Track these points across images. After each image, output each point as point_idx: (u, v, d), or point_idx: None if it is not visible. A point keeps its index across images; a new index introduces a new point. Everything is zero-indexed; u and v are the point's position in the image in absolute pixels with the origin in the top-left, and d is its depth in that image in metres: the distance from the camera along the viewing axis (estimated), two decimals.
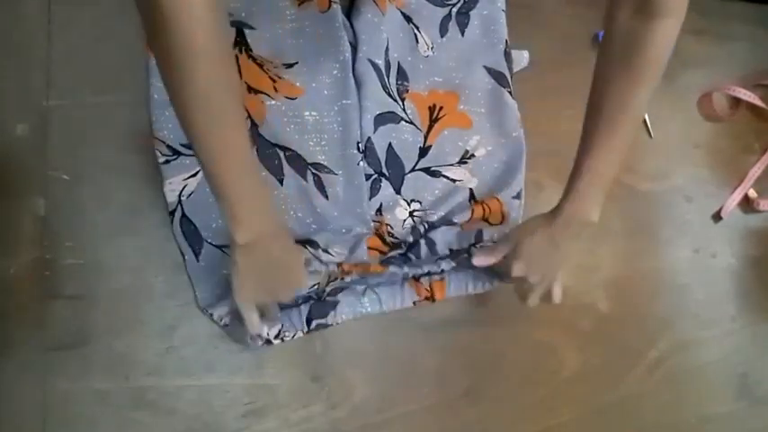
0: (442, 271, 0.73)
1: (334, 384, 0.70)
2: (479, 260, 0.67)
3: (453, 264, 0.72)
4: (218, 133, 0.45)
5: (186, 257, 0.66)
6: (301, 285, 0.62)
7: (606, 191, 0.60)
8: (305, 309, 0.67)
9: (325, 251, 0.67)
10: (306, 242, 0.67)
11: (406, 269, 0.71)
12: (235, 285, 0.55)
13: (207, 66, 0.42)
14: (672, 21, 0.51)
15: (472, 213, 0.76)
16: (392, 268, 0.70)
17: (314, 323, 0.68)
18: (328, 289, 0.70)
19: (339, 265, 0.68)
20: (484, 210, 0.77)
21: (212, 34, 0.41)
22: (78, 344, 0.61)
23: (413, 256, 0.72)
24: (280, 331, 0.66)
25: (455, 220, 0.75)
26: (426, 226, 0.75)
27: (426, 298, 0.73)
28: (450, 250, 0.73)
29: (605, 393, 0.83)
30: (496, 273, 0.74)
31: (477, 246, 0.73)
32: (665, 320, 0.89)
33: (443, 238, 0.73)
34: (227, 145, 0.46)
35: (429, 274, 0.73)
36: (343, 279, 0.70)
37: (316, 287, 0.69)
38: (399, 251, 0.72)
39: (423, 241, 0.73)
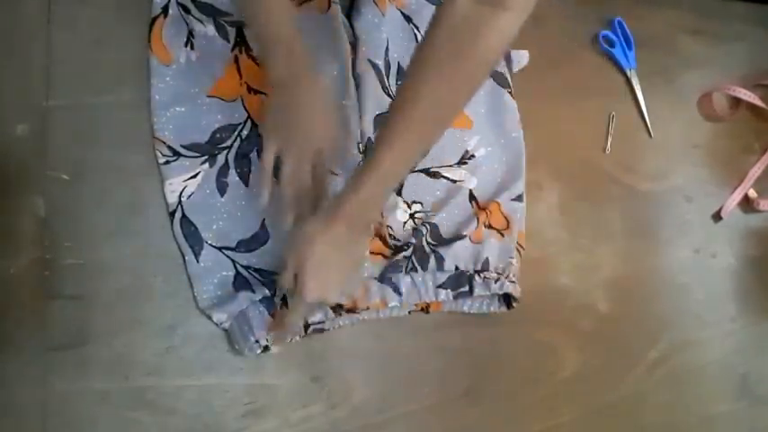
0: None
1: (334, 384, 0.70)
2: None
3: (452, 296, 0.73)
4: None
5: (186, 258, 0.65)
6: (318, 137, 0.61)
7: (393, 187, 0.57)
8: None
9: None
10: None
11: (406, 299, 0.71)
12: (265, 120, 0.60)
13: None
14: (514, 15, 0.47)
15: (477, 221, 0.76)
16: (392, 303, 0.71)
17: (311, 328, 0.68)
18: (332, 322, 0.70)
19: (341, 307, 0.69)
20: (487, 215, 0.77)
21: None
22: (78, 344, 0.61)
23: (420, 268, 0.72)
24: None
25: (464, 233, 0.75)
26: (428, 228, 0.75)
27: (422, 309, 0.74)
28: (456, 267, 0.74)
29: (605, 393, 0.83)
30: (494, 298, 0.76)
31: (482, 275, 0.74)
32: (665, 320, 0.89)
33: (453, 253, 0.74)
34: (264, 6, 0.53)
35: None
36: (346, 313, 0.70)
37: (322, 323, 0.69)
38: (404, 254, 0.72)
39: (433, 256, 0.73)
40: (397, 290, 0.71)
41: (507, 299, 0.76)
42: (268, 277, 0.66)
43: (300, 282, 0.57)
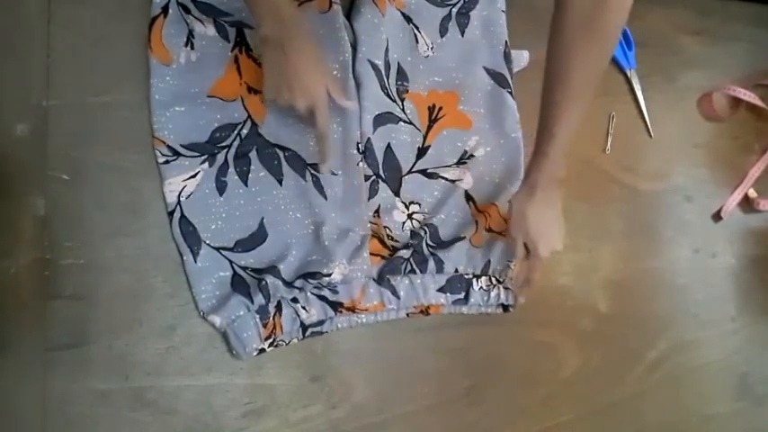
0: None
1: (334, 384, 0.70)
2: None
3: (452, 301, 0.74)
4: None
5: (184, 258, 0.65)
6: (315, 89, 0.64)
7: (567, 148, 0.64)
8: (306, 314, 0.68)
9: (329, 283, 0.68)
10: (309, 275, 0.68)
11: (404, 302, 0.72)
12: (264, 81, 0.64)
13: None
14: None
15: (477, 225, 0.77)
16: (390, 305, 0.71)
17: (309, 330, 0.68)
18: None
19: (341, 305, 0.69)
20: (486, 218, 0.77)
21: None
22: (78, 344, 0.61)
23: (418, 270, 0.73)
24: (275, 338, 0.66)
25: (463, 235, 0.75)
26: (427, 231, 0.75)
27: (421, 311, 0.74)
28: (456, 270, 0.74)
29: (605, 393, 0.83)
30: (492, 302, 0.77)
31: (480, 280, 0.75)
32: (665, 320, 0.89)
33: (452, 256, 0.74)
34: None
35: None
36: (346, 312, 0.71)
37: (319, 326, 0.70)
38: (403, 255, 0.72)
39: (432, 259, 0.73)
40: (395, 292, 0.71)
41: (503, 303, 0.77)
42: (265, 278, 0.66)
43: (532, 245, 0.68)
